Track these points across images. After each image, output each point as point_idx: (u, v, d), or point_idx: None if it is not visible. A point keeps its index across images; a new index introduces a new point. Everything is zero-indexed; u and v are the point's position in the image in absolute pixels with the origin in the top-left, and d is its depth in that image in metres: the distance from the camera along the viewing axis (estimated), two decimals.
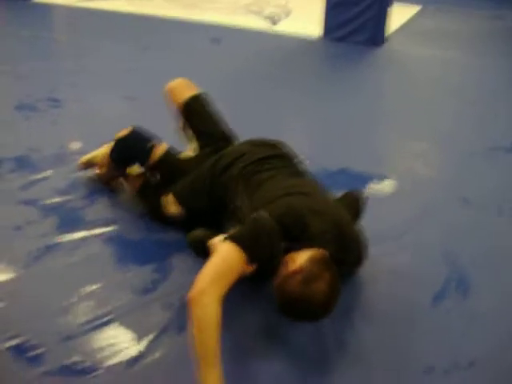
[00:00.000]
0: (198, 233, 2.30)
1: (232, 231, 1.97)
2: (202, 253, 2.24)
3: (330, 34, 5.87)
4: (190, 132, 2.65)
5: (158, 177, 2.55)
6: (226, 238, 1.89)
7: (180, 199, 2.43)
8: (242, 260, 1.82)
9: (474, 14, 7.43)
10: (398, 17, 6.64)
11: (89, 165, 2.86)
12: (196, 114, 2.65)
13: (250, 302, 2.13)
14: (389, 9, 5.82)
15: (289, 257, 1.86)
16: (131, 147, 2.54)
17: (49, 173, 2.92)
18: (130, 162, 2.62)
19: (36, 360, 1.82)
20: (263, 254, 1.86)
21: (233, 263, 1.82)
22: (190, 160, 2.57)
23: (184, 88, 2.71)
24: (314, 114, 4.02)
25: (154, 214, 2.55)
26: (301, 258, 1.84)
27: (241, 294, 2.10)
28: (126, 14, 6.58)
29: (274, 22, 6.49)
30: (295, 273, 1.81)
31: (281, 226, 1.88)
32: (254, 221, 1.91)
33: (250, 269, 1.88)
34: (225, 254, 1.84)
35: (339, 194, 2.40)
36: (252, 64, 5.02)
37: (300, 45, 5.76)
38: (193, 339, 1.69)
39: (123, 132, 2.55)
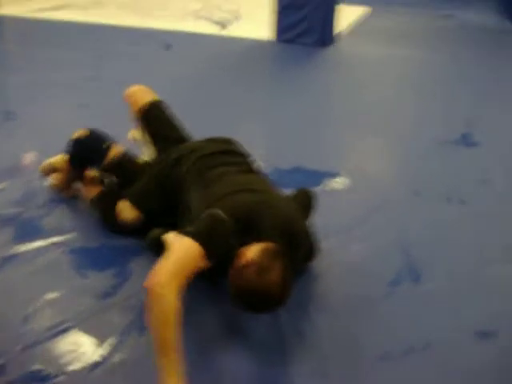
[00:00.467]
0: (157, 232, 2.34)
1: (189, 227, 2.01)
2: (161, 251, 2.27)
3: (279, 36, 5.93)
4: (147, 138, 2.68)
5: (114, 180, 2.57)
6: (184, 233, 1.93)
7: (135, 202, 2.46)
8: (201, 255, 1.87)
9: (421, 14, 7.59)
10: (346, 17, 6.74)
11: (50, 170, 2.85)
12: (154, 119, 2.68)
13: (208, 297, 2.19)
14: (336, 10, 5.92)
15: (240, 251, 1.91)
16: (87, 148, 2.57)
17: (4, 185, 2.92)
18: (87, 164, 2.64)
19: None
20: (220, 250, 1.91)
21: (192, 257, 1.86)
22: (146, 164, 2.60)
23: (142, 94, 2.73)
24: (266, 116, 4.09)
25: (110, 224, 2.56)
26: (252, 252, 1.88)
27: (198, 290, 2.15)
28: (78, 23, 6.54)
29: (224, 27, 6.54)
30: (247, 266, 1.85)
31: (233, 221, 1.93)
32: (210, 217, 1.96)
33: (207, 264, 1.92)
34: (184, 248, 1.88)
35: (292, 191, 2.46)
36: (203, 68, 5.06)
37: (250, 48, 5.82)
38: (152, 330, 1.73)
39: (79, 133, 2.58)
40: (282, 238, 1.98)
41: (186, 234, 1.92)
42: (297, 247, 2.06)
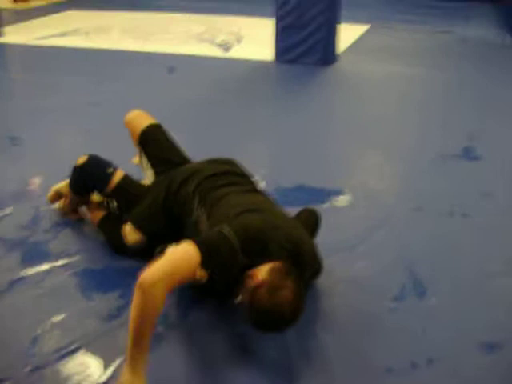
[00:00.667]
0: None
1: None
2: None
3: (281, 56, 5.98)
4: (146, 161, 2.71)
5: (115, 204, 2.60)
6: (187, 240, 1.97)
7: (138, 224, 2.48)
8: (198, 261, 1.90)
9: (421, 30, 7.63)
10: (347, 36, 6.79)
11: (58, 196, 2.88)
12: (152, 142, 2.71)
13: (216, 317, 2.21)
14: (338, 29, 5.99)
15: (251, 272, 1.93)
16: (90, 174, 2.58)
17: (11, 209, 2.95)
18: (90, 190, 2.67)
19: None
20: (218, 264, 1.94)
21: (189, 261, 1.90)
22: (146, 187, 2.62)
23: (140, 119, 2.77)
24: (269, 135, 4.13)
25: (116, 246, 2.59)
26: (262, 272, 1.91)
27: (208, 308, 2.20)
28: (82, 49, 6.62)
29: (227, 49, 6.60)
30: (259, 286, 1.87)
31: (241, 242, 1.96)
32: (217, 231, 1.99)
33: (202, 275, 1.94)
34: (182, 251, 1.93)
35: (296, 210, 2.48)
36: (207, 90, 5.11)
37: (253, 69, 5.88)
38: (132, 321, 1.79)
39: (80, 160, 2.60)
40: (290, 259, 2.00)
41: (190, 241, 1.96)
42: (304, 267, 2.08)
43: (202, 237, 2.03)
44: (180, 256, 1.92)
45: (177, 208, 2.39)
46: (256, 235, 2.01)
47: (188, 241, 1.95)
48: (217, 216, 2.17)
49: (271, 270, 1.91)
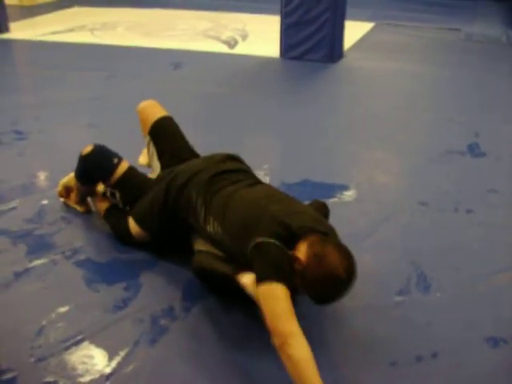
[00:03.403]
0: (204, 261, 2.26)
1: (257, 270, 1.98)
2: (211, 281, 2.27)
3: (287, 53, 5.99)
4: (155, 152, 2.71)
5: (118, 195, 2.59)
6: (260, 280, 1.93)
7: (140, 222, 2.49)
8: (286, 290, 1.89)
9: (427, 28, 7.62)
10: (352, 33, 6.79)
11: (67, 190, 2.89)
12: (163, 135, 2.71)
13: (222, 308, 2.21)
14: (344, 26, 5.99)
15: (294, 257, 1.95)
16: (94, 164, 2.58)
17: (17, 202, 2.96)
18: (95, 180, 2.67)
19: None
20: (291, 275, 1.95)
21: (284, 297, 1.88)
22: (151, 179, 2.62)
23: (154, 108, 2.77)
24: (274, 130, 4.13)
25: (121, 237, 2.60)
26: (302, 252, 1.94)
27: (212, 301, 2.19)
28: (87, 44, 6.63)
29: (232, 46, 6.60)
30: (307, 266, 1.91)
31: (279, 240, 1.97)
32: (264, 250, 1.97)
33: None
34: (274, 295, 1.89)
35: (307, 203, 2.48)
36: (212, 85, 5.12)
37: (259, 65, 5.88)
38: (295, 375, 1.76)
39: (86, 149, 2.59)
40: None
41: (264, 279, 1.92)
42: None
43: (264, 267, 1.96)
44: (277, 300, 1.88)
45: (179, 210, 2.37)
46: (285, 229, 2.00)
47: (261, 280, 1.92)
48: (232, 215, 2.16)
49: (309, 246, 1.94)
